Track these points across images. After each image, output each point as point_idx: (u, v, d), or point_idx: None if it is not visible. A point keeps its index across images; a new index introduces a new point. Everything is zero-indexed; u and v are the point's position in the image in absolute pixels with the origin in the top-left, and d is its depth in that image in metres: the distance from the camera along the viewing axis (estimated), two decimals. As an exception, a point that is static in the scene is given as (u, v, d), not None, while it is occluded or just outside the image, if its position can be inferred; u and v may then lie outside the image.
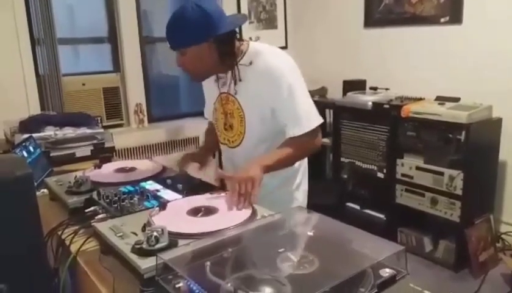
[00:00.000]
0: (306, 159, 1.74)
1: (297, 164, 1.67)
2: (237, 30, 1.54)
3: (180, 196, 1.35)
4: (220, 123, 1.68)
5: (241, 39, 1.56)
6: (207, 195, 1.33)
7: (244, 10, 4.15)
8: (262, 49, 1.54)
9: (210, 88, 1.67)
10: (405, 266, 0.88)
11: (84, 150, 2.13)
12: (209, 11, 1.41)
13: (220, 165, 1.88)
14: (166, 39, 1.49)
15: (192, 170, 1.71)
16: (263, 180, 1.54)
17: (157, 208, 1.21)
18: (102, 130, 2.35)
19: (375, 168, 3.24)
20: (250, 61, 1.51)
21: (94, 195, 1.36)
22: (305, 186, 1.74)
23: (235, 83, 1.54)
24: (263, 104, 1.51)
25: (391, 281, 0.85)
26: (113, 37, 3.67)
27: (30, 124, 2.29)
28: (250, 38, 1.61)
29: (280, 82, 1.47)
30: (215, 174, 1.52)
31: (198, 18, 1.40)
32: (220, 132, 1.70)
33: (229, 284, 0.81)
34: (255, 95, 1.51)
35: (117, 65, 3.71)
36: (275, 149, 1.52)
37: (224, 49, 1.48)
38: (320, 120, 1.54)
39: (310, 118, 1.51)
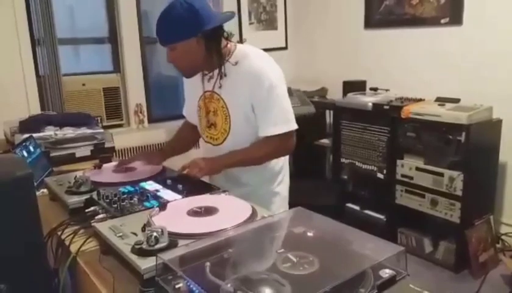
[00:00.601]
0: (287, 157, 1.80)
1: (279, 165, 1.74)
2: (224, 28, 1.58)
3: (180, 197, 1.35)
4: (204, 121, 1.71)
5: (228, 39, 1.60)
6: (207, 195, 1.33)
7: (245, 10, 4.15)
8: (249, 51, 1.59)
9: (195, 86, 1.70)
10: (405, 267, 0.88)
11: (84, 150, 2.13)
12: (197, 7, 1.45)
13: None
14: (157, 36, 1.52)
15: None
16: (249, 178, 1.67)
17: (157, 208, 1.20)
18: (102, 130, 2.35)
19: (375, 168, 3.24)
20: (236, 61, 1.56)
21: (94, 195, 1.36)
22: (287, 179, 1.81)
23: (221, 78, 1.58)
24: (245, 103, 1.56)
25: (391, 281, 0.85)
26: (113, 37, 3.67)
27: (30, 124, 2.29)
28: (239, 41, 1.65)
29: (262, 81, 1.52)
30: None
31: (186, 13, 1.44)
32: (203, 131, 1.74)
33: (229, 285, 0.81)
34: (239, 94, 1.56)
35: (117, 65, 3.71)
36: (244, 147, 1.59)
37: (211, 45, 1.52)
38: (294, 126, 1.59)
39: (284, 122, 1.56)
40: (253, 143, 1.60)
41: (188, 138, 1.93)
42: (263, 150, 1.60)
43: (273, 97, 1.54)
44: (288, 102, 1.60)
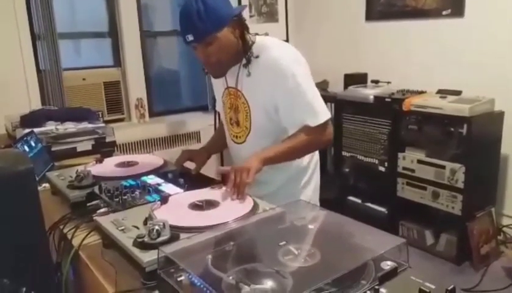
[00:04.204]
0: (317, 155, 1.72)
1: (306, 160, 1.65)
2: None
3: (182, 190, 1.35)
4: (227, 118, 1.66)
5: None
6: (208, 189, 1.34)
7: (245, 3, 4.14)
8: (269, 43, 1.51)
9: (218, 82, 1.64)
10: (406, 259, 0.88)
11: (85, 144, 2.13)
12: None
13: (222, 162, 1.88)
14: (187, 33, 1.38)
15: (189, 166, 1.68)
16: (271, 176, 1.55)
17: (159, 202, 1.21)
18: (103, 124, 2.35)
19: (377, 161, 3.24)
20: (257, 55, 1.48)
21: (96, 189, 1.36)
22: (315, 183, 1.71)
23: (249, 63, 1.48)
24: (266, 98, 1.48)
25: (392, 273, 0.85)
26: (113, 31, 3.66)
27: (31, 119, 2.29)
28: (258, 33, 1.58)
29: (285, 72, 1.43)
30: (216, 170, 1.52)
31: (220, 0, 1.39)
32: (228, 128, 1.68)
33: (231, 277, 0.81)
34: (260, 89, 1.49)
35: (118, 60, 3.71)
36: (282, 141, 1.49)
37: (242, 32, 1.46)
38: (329, 115, 1.49)
39: (320, 111, 1.46)
40: (290, 136, 1.48)
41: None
42: (299, 144, 1.46)
43: (300, 87, 1.43)
44: (316, 91, 1.49)
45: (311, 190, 1.69)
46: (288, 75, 1.43)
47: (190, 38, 1.38)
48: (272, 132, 1.54)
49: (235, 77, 1.55)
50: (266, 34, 1.59)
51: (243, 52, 1.48)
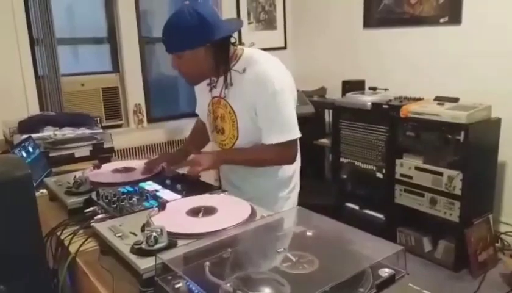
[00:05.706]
0: (299, 162, 1.75)
1: (293, 168, 1.71)
2: (232, 34, 1.55)
3: (179, 197, 1.35)
4: (212, 126, 1.71)
5: (235, 44, 1.57)
6: (206, 195, 1.33)
7: (243, 10, 4.16)
8: (257, 57, 1.55)
9: (203, 91, 1.69)
10: (404, 266, 0.88)
11: (83, 150, 2.12)
12: (206, 16, 1.42)
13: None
14: (163, 43, 1.50)
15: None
16: (261, 182, 1.64)
17: (156, 208, 1.20)
18: (101, 130, 2.35)
19: (375, 168, 3.24)
20: (243, 68, 1.53)
21: (93, 195, 1.36)
22: (298, 187, 1.79)
23: (226, 87, 1.56)
24: (250, 108, 1.53)
25: (390, 281, 0.85)
26: (112, 37, 3.67)
27: (29, 125, 2.29)
28: (248, 43, 1.62)
29: (265, 87, 1.48)
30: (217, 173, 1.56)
31: (195, 22, 1.41)
32: (214, 136, 1.73)
33: (228, 284, 0.81)
34: (245, 99, 1.53)
35: (116, 65, 3.71)
36: (247, 147, 1.58)
37: (219, 54, 1.50)
38: (294, 136, 1.54)
39: (283, 131, 1.52)
40: (255, 146, 1.57)
41: (204, 134, 1.90)
42: (263, 156, 1.57)
43: (275, 105, 1.49)
44: (291, 110, 1.54)
45: (295, 193, 1.76)
46: (268, 90, 1.48)
47: (165, 47, 1.50)
48: (259, 140, 1.57)
49: (220, 88, 1.60)
50: (252, 44, 1.63)
51: (227, 68, 1.54)
